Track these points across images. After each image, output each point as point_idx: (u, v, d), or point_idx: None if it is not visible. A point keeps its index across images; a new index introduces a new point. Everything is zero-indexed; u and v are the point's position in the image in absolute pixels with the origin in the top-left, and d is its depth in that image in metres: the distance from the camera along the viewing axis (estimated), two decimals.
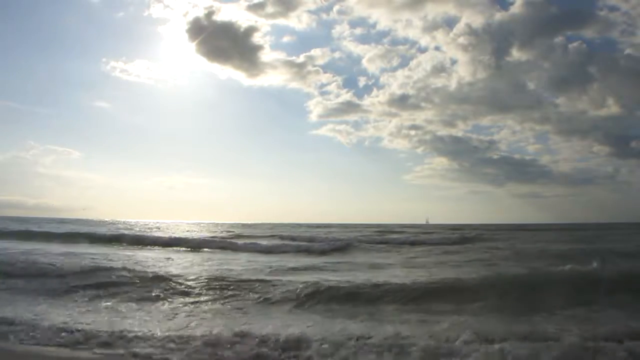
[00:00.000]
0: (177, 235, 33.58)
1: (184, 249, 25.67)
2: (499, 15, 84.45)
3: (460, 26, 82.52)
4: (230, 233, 42.54)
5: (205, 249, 25.02)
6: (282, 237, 34.91)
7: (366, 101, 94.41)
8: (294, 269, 15.11)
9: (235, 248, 24.10)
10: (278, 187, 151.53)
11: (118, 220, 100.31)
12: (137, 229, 49.45)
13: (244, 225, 68.40)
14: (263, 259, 19.17)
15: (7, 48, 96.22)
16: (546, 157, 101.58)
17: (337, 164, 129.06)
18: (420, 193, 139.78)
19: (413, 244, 29.14)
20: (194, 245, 26.42)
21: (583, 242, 26.33)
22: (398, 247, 26.51)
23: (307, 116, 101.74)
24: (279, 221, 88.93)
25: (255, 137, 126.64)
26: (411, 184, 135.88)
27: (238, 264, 16.54)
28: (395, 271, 14.62)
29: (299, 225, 70.05)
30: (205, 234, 39.92)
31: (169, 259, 18.78)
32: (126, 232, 37.89)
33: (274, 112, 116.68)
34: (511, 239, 31.59)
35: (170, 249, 25.49)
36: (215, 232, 45.39)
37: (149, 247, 26.60)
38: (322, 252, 22.37)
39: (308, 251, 22.97)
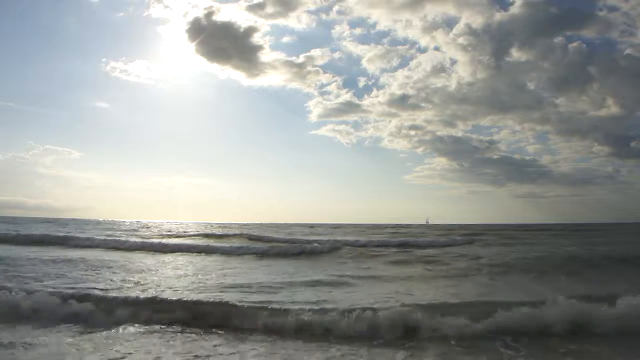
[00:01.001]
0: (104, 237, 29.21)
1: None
2: (498, 16, 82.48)
3: (460, 26, 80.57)
4: (202, 232, 38.91)
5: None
6: (250, 238, 31.52)
7: (366, 101, 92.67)
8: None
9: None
10: (278, 187, 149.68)
11: (114, 220, 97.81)
12: (90, 229, 46.02)
13: (237, 226, 65.63)
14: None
15: (7, 48, 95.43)
16: (546, 157, 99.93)
17: (337, 164, 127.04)
18: (420, 193, 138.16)
19: (401, 246, 25.35)
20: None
21: (589, 245, 22.39)
22: (379, 251, 22.21)
23: (307, 116, 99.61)
24: (278, 221, 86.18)
25: (255, 137, 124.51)
26: (411, 184, 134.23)
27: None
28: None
29: (290, 225, 66.84)
30: (176, 236, 36.43)
31: None
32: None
33: (274, 112, 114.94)
34: (509, 240, 28.25)
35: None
36: (179, 231, 41.71)
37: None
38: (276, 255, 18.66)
39: (258, 254, 19.31)
